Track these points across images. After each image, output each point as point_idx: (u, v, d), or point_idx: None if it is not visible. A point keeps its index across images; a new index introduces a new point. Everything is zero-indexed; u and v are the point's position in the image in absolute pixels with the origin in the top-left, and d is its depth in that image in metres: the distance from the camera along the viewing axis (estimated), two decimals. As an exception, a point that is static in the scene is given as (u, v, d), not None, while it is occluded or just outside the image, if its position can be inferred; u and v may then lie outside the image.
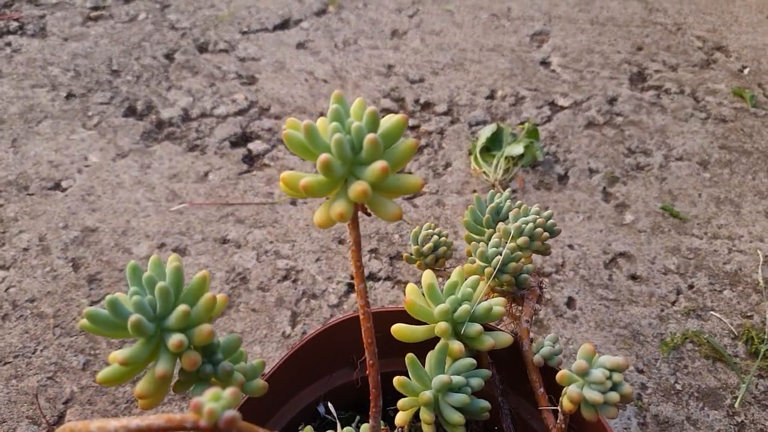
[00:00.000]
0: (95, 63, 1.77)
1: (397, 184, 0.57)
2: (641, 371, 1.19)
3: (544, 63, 1.85)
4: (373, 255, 1.35)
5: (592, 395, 0.57)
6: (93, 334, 0.57)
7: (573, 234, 1.42)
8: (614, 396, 0.57)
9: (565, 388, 0.61)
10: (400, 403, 0.70)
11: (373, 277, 1.31)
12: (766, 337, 1.23)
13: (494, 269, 0.78)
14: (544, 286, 0.90)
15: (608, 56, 1.86)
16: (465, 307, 0.71)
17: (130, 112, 1.65)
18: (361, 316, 0.61)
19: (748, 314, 1.28)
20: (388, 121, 0.56)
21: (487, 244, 0.83)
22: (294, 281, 1.31)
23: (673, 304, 1.30)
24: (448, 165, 1.56)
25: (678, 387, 1.17)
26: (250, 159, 1.55)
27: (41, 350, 1.16)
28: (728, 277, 1.35)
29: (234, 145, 1.58)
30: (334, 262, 1.34)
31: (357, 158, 0.55)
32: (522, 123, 1.65)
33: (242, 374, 0.56)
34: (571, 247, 1.40)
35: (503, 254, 0.79)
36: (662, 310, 1.28)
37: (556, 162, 1.58)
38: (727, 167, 1.57)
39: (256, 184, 1.49)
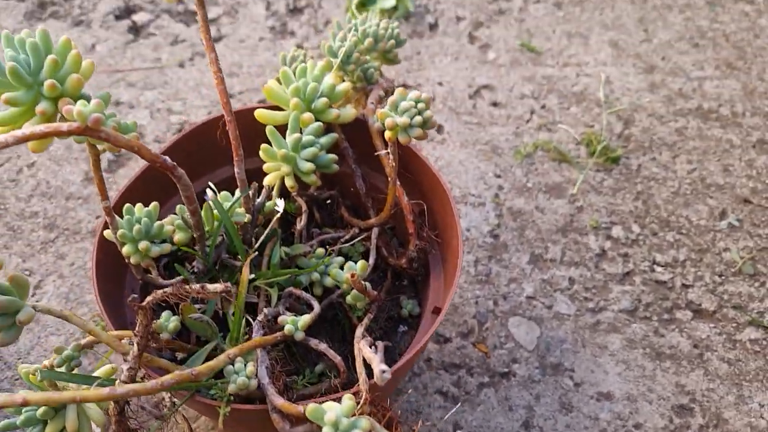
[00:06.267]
0: (-35, -51, 1.75)
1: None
2: (498, 176, 1.39)
3: (416, -75, 1.95)
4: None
5: (402, 119, 0.73)
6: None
7: (442, 74, 1.58)
8: (418, 119, 0.73)
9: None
10: (265, 166, 0.85)
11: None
12: (602, 139, 1.44)
13: (338, 59, 0.92)
14: (394, 86, 1.05)
15: None
16: (313, 84, 0.86)
17: (10, -6, 1.66)
18: (213, 70, 0.73)
19: (590, 124, 1.49)
20: None
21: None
22: (189, 133, 1.42)
23: (527, 122, 1.49)
24: (327, 22, 1.67)
25: (529, 185, 1.38)
26: (136, 30, 1.62)
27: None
28: (575, 96, 1.54)
29: (118, 18, 1.63)
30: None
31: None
32: (395, -20, 1.77)
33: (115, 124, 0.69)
34: (440, 84, 1.55)
35: (346, 48, 0.93)
36: (518, 127, 1.47)
37: (427, 12, 1.71)
38: (578, 6, 1.75)
39: (143, 51, 1.57)
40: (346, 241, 0.93)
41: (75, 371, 0.71)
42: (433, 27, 1.68)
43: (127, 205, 0.76)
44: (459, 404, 1.07)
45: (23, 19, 1.61)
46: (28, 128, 0.57)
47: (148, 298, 0.64)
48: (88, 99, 0.67)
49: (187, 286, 0.63)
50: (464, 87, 1.55)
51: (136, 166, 1.34)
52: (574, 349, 1.15)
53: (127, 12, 1.64)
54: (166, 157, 0.65)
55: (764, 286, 1.24)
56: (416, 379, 1.11)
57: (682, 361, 1.14)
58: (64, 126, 0.58)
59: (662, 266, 1.26)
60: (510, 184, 1.37)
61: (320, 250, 0.88)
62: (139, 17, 1.63)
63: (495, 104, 1.52)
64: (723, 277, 1.25)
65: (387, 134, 0.77)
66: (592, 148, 1.43)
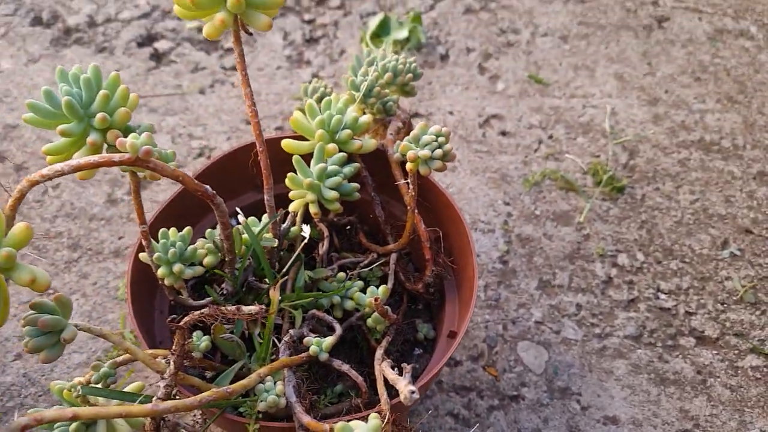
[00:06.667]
0: (-6, -23, 1.82)
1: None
2: (507, 204, 1.43)
3: (427, -41, 2.02)
4: (279, 131, 1.53)
5: (423, 152, 0.78)
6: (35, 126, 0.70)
7: (453, 103, 1.63)
8: (439, 152, 0.78)
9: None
10: (291, 194, 0.89)
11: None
12: (608, 169, 1.49)
13: (361, 93, 0.97)
14: (410, 118, 1.10)
15: (484, -49, 2.05)
16: (337, 117, 0.90)
17: (37, 21, 1.72)
18: (247, 104, 0.78)
19: (597, 154, 1.54)
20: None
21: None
22: (208, 157, 1.47)
23: (535, 151, 1.54)
24: (342, 52, 1.73)
25: (537, 213, 1.42)
26: (157, 57, 1.67)
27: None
28: (582, 127, 1.59)
29: (141, 45, 1.69)
30: (244, 139, 1.51)
31: (230, -21, 0.71)
32: (408, 12, 1.83)
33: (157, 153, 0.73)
34: (451, 113, 1.61)
35: (368, 82, 0.98)
36: (526, 156, 1.52)
37: (438, 44, 1.77)
38: (584, 39, 1.81)
39: (165, 78, 1.62)
40: (365, 266, 0.97)
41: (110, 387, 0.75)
42: (444, 58, 1.74)
43: (163, 229, 0.81)
44: (472, 428, 1.10)
45: (49, 45, 1.67)
46: (83, 158, 0.62)
47: (186, 319, 0.68)
48: (132, 130, 0.72)
49: (223, 308, 0.67)
50: (474, 116, 1.60)
51: (157, 189, 1.39)
52: (581, 374, 1.18)
53: (149, 40, 1.70)
54: (207, 187, 0.69)
55: (765, 314, 1.27)
56: (428, 401, 1.14)
57: (686, 387, 1.18)
58: (116, 157, 0.62)
59: (666, 294, 1.30)
60: (519, 211, 1.42)
61: (341, 275, 0.92)
62: (161, 45, 1.69)
63: (504, 133, 1.57)
64: (725, 305, 1.29)
65: (408, 166, 0.81)
66: (598, 177, 1.47)
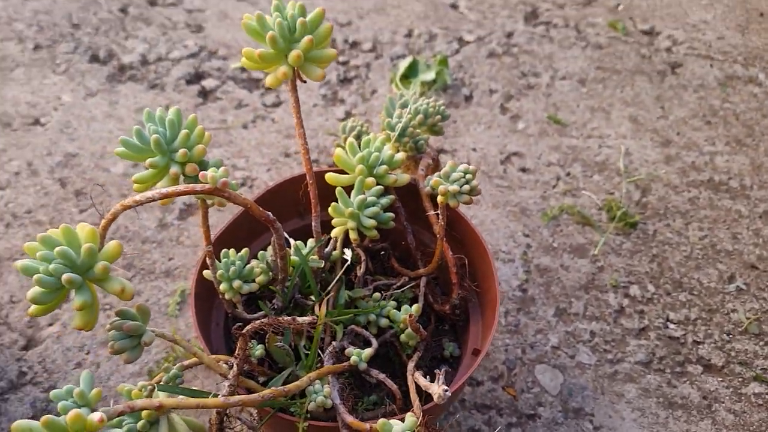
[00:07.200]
0: (56, 18, 1.98)
1: (320, 55, 0.86)
2: (527, 236, 1.53)
3: (453, 6, 2.16)
4: (315, 164, 1.65)
5: (452, 187, 0.89)
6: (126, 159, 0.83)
7: (476, 141, 1.75)
8: (466, 187, 0.89)
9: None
10: (334, 221, 1.01)
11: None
12: (621, 206, 1.59)
13: (396, 133, 1.09)
14: (438, 155, 1.21)
15: (507, -1, 2.19)
16: (375, 154, 1.02)
17: (94, 59, 1.88)
18: (300, 143, 0.90)
19: (611, 192, 1.64)
20: (312, 13, 0.86)
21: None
22: (250, 187, 1.60)
23: (553, 187, 1.64)
24: (374, 92, 1.86)
25: (555, 245, 1.52)
26: (205, 94, 1.82)
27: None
28: (597, 165, 1.70)
29: (189, 82, 1.83)
30: (283, 171, 1.63)
31: (293, 37, 0.84)
32: (435, 55, 1.96)
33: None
34: (474, 150, 1.72)
35: (402, 123, 1.10)
36: (545, 192, 1.63)
37: (463, 85, 1.90)
38: (601, 83, 1.92)
39: (211, 113, 1.76)
40: (398, 288, 1.07)
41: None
42: (468, 98, 1.86)
43: (224, 250, 0.92)
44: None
45: (105, 81, 1.82)
46: (171, 187, 0.74)
47: (248, 327, 0.79)
48: (206, 163, 0.84)
49: (280, 318, 0.78)
50: (496, 153, 1.71)
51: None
52: (594, 396, 1.27)
53: (197, 78, 1.85)
54: (269, 213, 0.81)
55: (769, 345, 1.35)
56: (451, 417, 1.24)
57: (693, 411, 1.25)
58: (198, 187, 0.74)
59: (675, 323, 1.39)
60: (537, 243, 1.52)
61: (376, 295, 1.03)
62: (208, 83, 1.83)
63: (524, 170, 1.68)
64: (730, 336, 1.37)
65: (439, 198, 0.93)
66: (613, 213, 1.57)
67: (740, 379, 1.30)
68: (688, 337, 1.37)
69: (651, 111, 1.85)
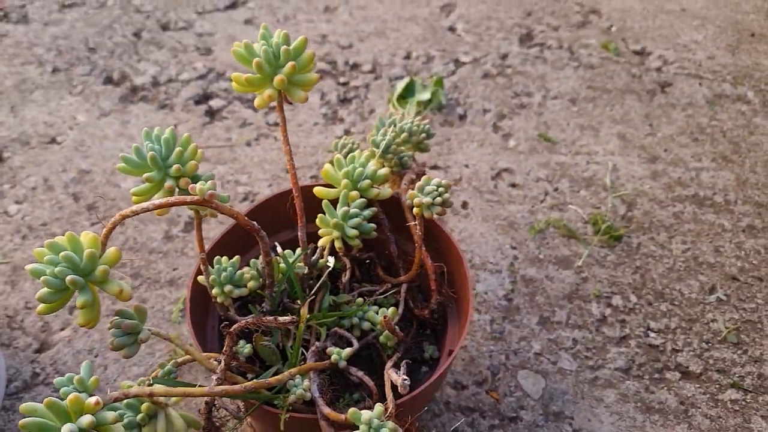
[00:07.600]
0: (74, 43, 2.10)
1: (303, 79, 0.95)
2: (514, 248, 1.60)
3: (451, 29, 2.25)
4: (313, 179, 1.74)
5: (426, 199, 0.97)
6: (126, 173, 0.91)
7: (468, 157, 1.82)
8: (438, 199, 0.97)
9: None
10: (320, 231, 1.09)
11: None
12: (607, 220, 1.65)
13: (380, 149, 1.17)
14: (425, 170, 1.29)
15: (503, 21, 2.27)
16: (360, 169, 1.10)
17: (108, 81, 1.99)
18: (287, 159, 0.98)
19: (597, 206, 1.70)
20: (296, 41, 0.94)
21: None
22: (251, 201, 1.69)
23: (541, 202, 1.71)
24: (372, 111, 1.95)
25: (541, 257, 1.59)
26: (211, 113, 1.92)
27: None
28: (585, 181, 1.77)
29: (197, 102, 1.94)
30: (283, 186, 1.72)
31: (277, 63, 0.93)
32: (431, 76, 2.05)
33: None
34: (466, 166, 1.80)
35: (386, 141, 1.18)
36: (533, 206, 1.70)
37: (458, 105, 1.98)
38: (591, 102, 1.99)
39: (217, 131, 1.86)
40: (380, 294, 1.15)
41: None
42: (462, 117, 1.94)
43: (217, 257, 1.00)
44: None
45: (118, 101, 1.92)
46: (163, 199, 0.82)
47: (235, 326, 0.86)
48: (199, 177, 0.93)
49: (264, 318, 0.85)
50: (487, 169, 1.79)
51: (207, 228, 1.60)
52: (574, 400, 1.33)
53: (204, 98, 1.95)
54: (254, 223, 0.89)
55: (746, 353, 1.40)
56: (436, 419, 1.30)
57: (669, 416, 1.31)
58: (188, 198, 0.83)
59: (655, 332, 1.44)
60: (524, 255, 1.58)
61: (359, 300, 1.10)
62: (215, 103, 1.93)
63: (513, 185, 1.75)
64: (709, 344, 1.42)
65: (415, 210, 1.00)
66: (598, 227, 1.64)
67: (717, 386, 1.35)
68: (668, 345, 1.42)
69: (639, 128, 1.92)
